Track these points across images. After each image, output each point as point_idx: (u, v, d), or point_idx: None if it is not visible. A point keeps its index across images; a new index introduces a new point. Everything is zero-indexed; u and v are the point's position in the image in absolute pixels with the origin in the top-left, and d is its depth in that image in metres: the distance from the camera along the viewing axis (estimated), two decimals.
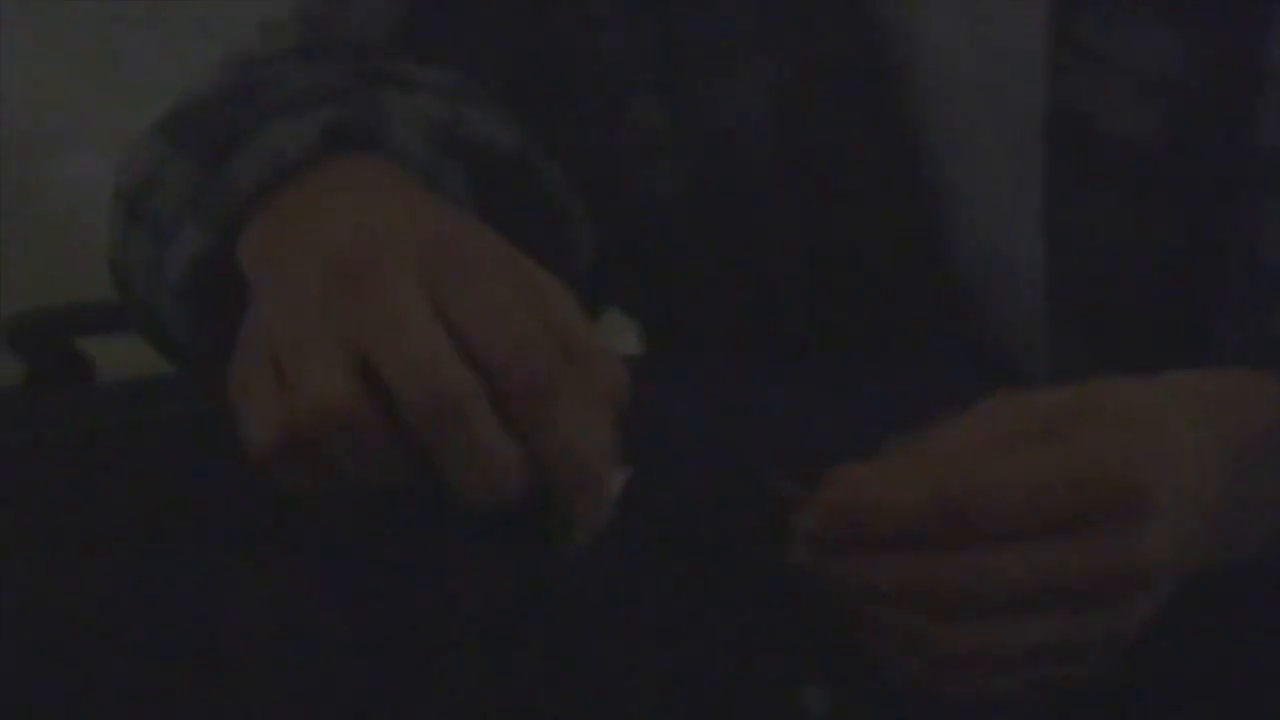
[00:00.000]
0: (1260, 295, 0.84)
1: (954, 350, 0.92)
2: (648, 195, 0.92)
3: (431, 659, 0.73)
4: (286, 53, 0.93)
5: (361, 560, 0.76)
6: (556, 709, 0.73)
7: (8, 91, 1.97)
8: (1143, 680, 0.73)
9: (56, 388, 0.98)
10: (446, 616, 0.75)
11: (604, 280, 0.90)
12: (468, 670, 0.73)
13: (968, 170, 0.89)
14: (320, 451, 0.69)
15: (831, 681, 0.72)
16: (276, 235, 0.76)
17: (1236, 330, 0.85)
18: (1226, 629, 0.76)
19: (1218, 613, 0.75)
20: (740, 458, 0.77)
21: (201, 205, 0.80)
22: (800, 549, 0.69)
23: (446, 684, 0.73)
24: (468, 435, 0.67)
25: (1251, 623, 0.76)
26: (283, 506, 0.72)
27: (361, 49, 0.92)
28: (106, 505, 0.79)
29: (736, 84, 0.90)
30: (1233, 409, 0.75)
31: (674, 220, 0.92)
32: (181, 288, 0.80)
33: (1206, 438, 0.72)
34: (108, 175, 0.91)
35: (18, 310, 1.05)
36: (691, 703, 0.73)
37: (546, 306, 0.70)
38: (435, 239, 0.71)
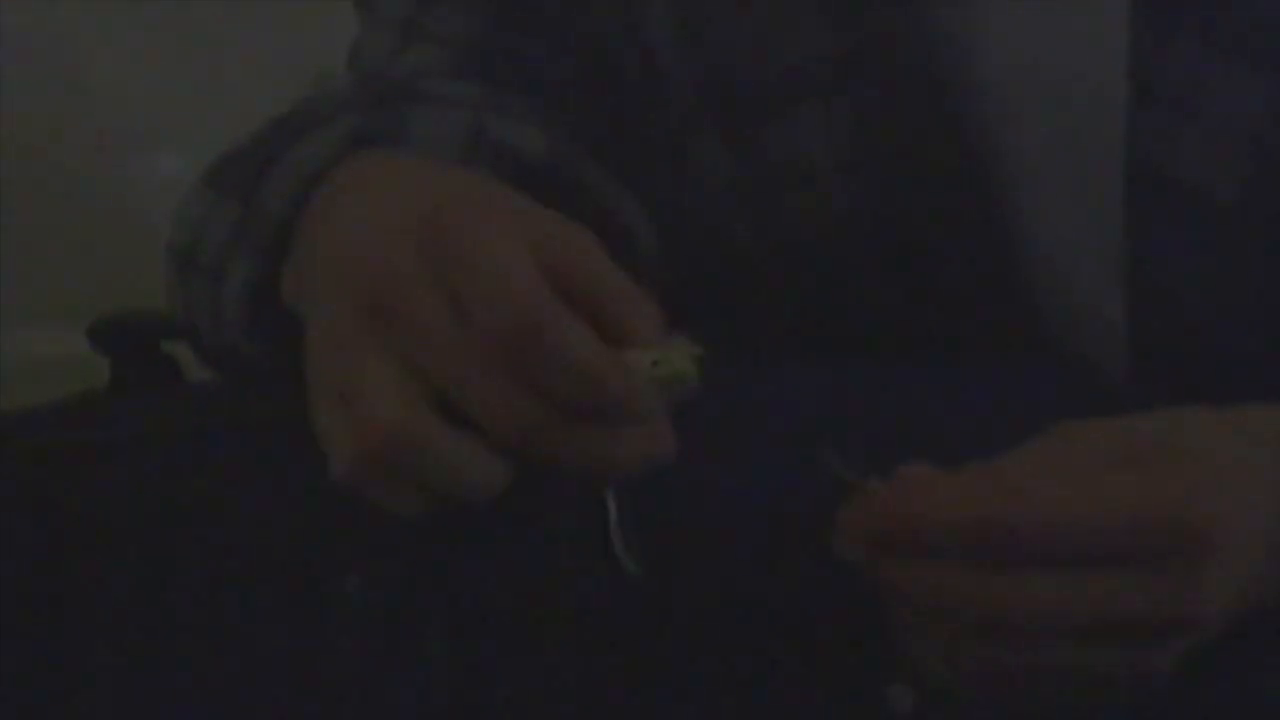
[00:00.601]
0: None
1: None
2: (715, 235, 0.92)
3: (509, 665, 0.73)
4: (322, 95, 0.93)
5: (446, 562, 0.76)
6: (637, 709, 0.73)
7: (99, 87, 1.98)
8: None
9: (142, 389, 0.99)
10: (522, 619, 0.74)
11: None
12: (542, 672, 0.73)
13: (1045, 216, 0.88)
14: (403, 472, 0.69)
15: (917, 680, 0.71)
16: (305, 264, 0.77)
17: None
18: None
19: None
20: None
21: (245, 235, 0.81)
22: (847, 537, 0.69)
23: (523, 687, 0.72)
24: (561, 433, 0.68)
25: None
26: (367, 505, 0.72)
27: (382, 76, 0.93)
28: (193, 503, 0.80)
29: (799, 126, 0.89)
30: None
31: (743, 258, 0.92)
32: (240, 319, 0.81)
33: (1273, 472, 0.71)
34: (196, 171, 0.92)
35: (106, 309, 1.05)
36: (777, 701, 0.73)
37: (532, 241, 0.70)
38: (423, 230, 0.71)
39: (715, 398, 0.70)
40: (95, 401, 0.95)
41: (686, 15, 0.90)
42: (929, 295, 0.89)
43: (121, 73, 1.98)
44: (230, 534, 0.78)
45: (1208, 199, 0.84)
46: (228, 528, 0.78)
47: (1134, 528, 0.68)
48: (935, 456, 0.71)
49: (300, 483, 0.78)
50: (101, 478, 0.81)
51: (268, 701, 0.72)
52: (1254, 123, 0.83)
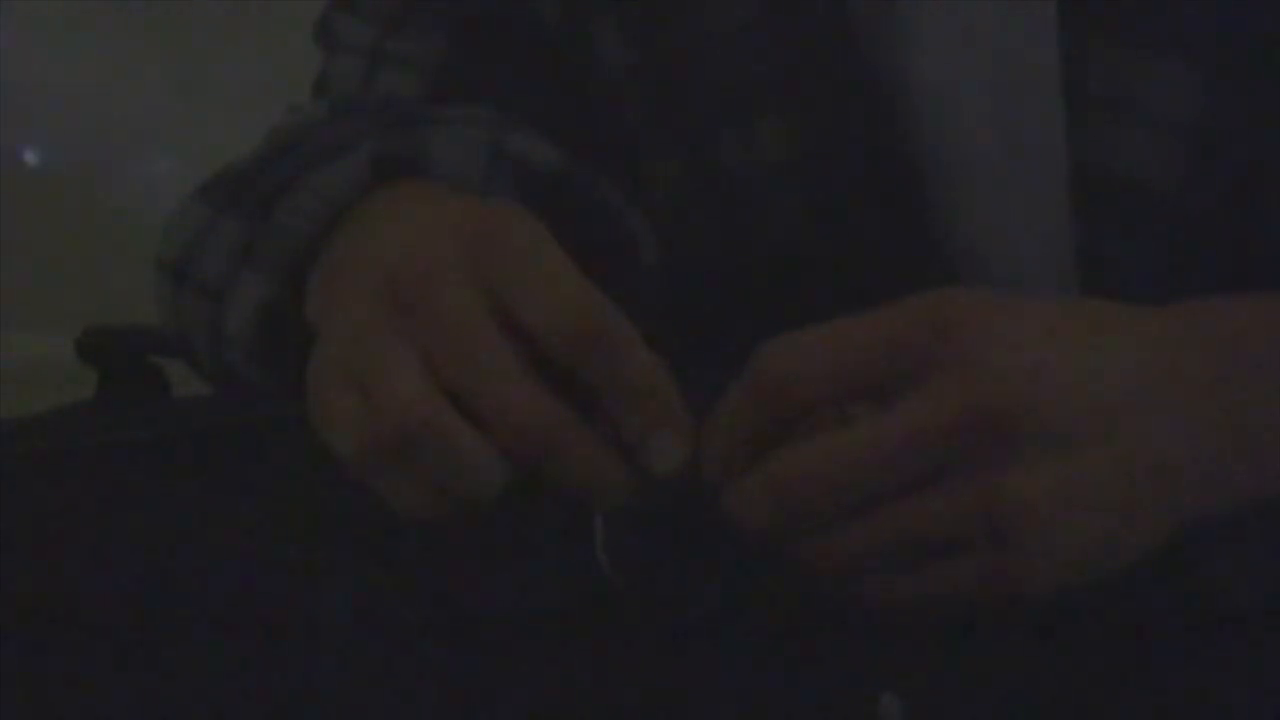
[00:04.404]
0: None
1: None
2: (673, 245, 0.92)
3: (498, 676, 0.73)
4: (317, 119, 0.93)
5: (435, 574, 0.76)
6: (631, 716, 0.72)
7: (89, 94, 1.98)
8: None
9: (130, 401, 0.98)
10: (511, 629, 0.74)
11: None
12: (531, 683, 0.72)
13: (995, 221, 0.88)
14: (411, 462, 0.70)
15: (909, 690, 0.71)
16: (334, 276, 0.77)
17: None
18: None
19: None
20: None
21: (256, 255, 0.81)
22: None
23: (512, 698, 0.72)
24: (572, 445, 0.69)
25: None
26: (370, 509, 0.73)
27: (392, 102, 0.93)
28: (185, 512, 0.80)
29: (751, 140, 0.89)
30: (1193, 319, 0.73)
31: (700, 267, 0.92)
32: (246, 337, 0.81)
33: (1123, 348, 0.71)
34: (187, 178, 0.91)
35: (96, 317, 1.05)
36: (769, 710, 0.72)
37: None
38: (472, 229, 0.71)
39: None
40: (85, 412, 0.94)
41: (637, 32, 0.90)
42: (884, 300, 0.89)
43: (113, 80, 1.98)
44: (222, 543, 0.77)
45: (1151, 193, 0.83)
46: (219, 536, 0.78)
47: (887, 348, 0.68)
48: None
49: (292, 492, 0.78)
50: (95, 485, 0.81)
51: (259, 708, 0.72)
52: (1190, 115, 0.82)
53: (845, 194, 0.88)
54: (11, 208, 1.92)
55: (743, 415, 0.69)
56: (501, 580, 0.75)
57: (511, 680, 0.72)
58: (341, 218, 0.79)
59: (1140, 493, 0.69)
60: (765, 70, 0.88)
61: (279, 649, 0.73)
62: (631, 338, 0.69)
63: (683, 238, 0.91)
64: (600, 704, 0.72)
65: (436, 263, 0.71)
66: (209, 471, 0.81)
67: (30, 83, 1.97)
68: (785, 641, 0.73)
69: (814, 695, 0.72)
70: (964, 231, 0.88)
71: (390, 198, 0.79)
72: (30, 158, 1.99)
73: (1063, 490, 0.67)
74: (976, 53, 0.86)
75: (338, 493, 0.74)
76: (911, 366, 0.68)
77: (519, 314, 0.69)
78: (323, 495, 0.76)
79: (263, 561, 0.76)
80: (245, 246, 0.82)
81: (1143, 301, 0.84)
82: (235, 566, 0.76)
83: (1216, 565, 0.73)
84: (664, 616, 0.74)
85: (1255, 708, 0.72)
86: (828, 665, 0.72)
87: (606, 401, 0.70)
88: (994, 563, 0.68)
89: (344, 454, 0.71)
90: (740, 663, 0.73)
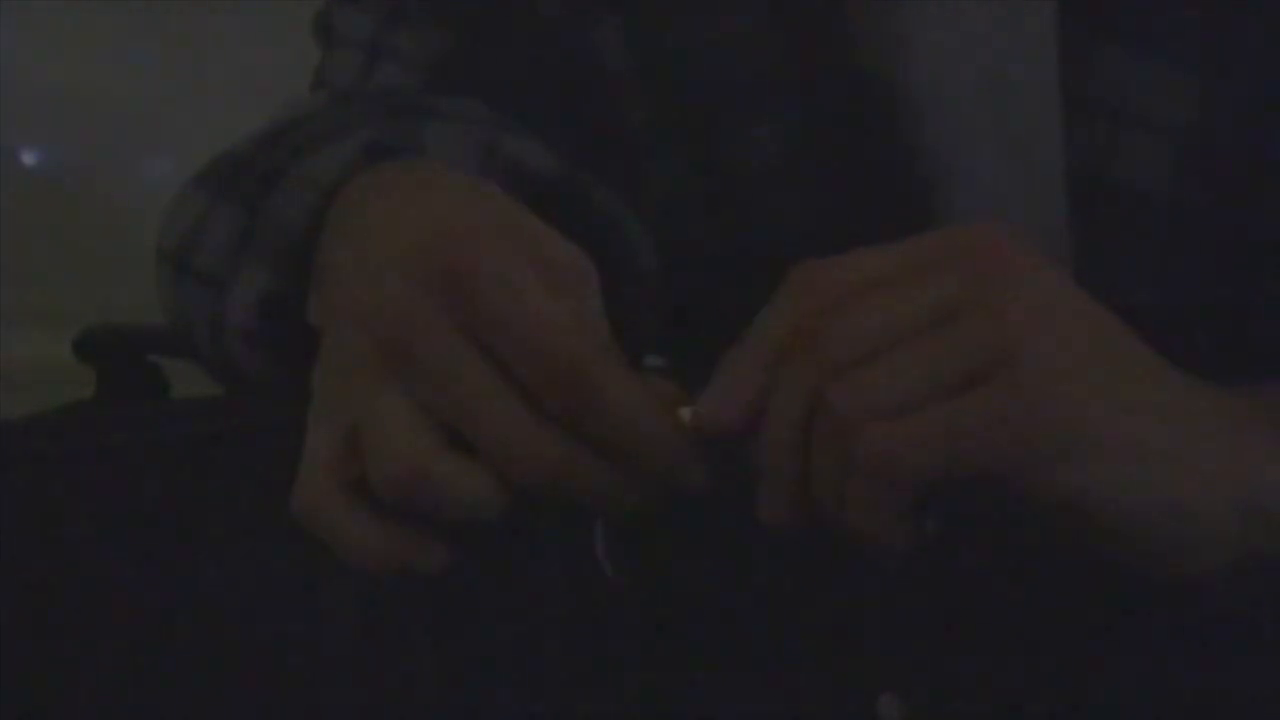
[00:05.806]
0: None
1: None
2: (674, 244, 0.91)
3: (494, 666, 0.73)
4: (316, 107, 0.93)
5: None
6: (621, 715, 0.72)
7: (87, 94, 1.98)
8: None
9: (129, 400, 0.99)
10: (506, 620, 0.74)
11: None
12: (526, 673, 0.72)
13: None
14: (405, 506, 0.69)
15: (909, 690, 0.71)
16: (327, 288, 0.76)
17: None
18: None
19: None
20: None
21: (255, 245, 0.80)
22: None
23: (507, 688, 0.72)
24: (572, 469, 0.68)
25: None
26: None
27: (391, 92, 0.93)
28: (186, 510, 0.80)
29: (752, 142, 0.89)
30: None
31: (700, 265, 0.92)
32: (249, 328, 0.80)
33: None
34: (186, 178, 0.91)
35: (94, 317, 1.05)
36: (769, 710, 0.72)
37: (535, 249, 0.70)
38: (444, 264, 0.70)
39: None
40: (85, 411, 0.94)
41: (639, 33, 0.90)
42: None
43: (111, 80, 1.98)
44: (223, 539, 0.77)
45: (1148, 196, 0.84)
46: (219, 537, 0.78)
47: (911, 252, 0.69)
48: None
49: (290, 491, 0.78)
50: (96, 485, 0.81)
51: (258, 701, 0.72)
52: (1185, 119, 0.83)
53: (845, 196, 0.88)
54: (11, 208, 1.92)
55: (779, 320, 0.69)
56: (502, 581, 0.75)
57: (513, 681, 0.73)
58: (331, 207, 0.78)
59: (1132, 363, 0.71)
60: (766, 73, 0.88)
61: (280, 649, 0.73)
62: (615, 374, 0.68)
63: (682, 238, 0.91)
64: (601, 704, 0.72)
65: (413, 317, 0.70)
66: (209, 471, 0.81)
67: (30, 83, 1.97)
68: (785, 641, 0.73)
69: (814, 695, 0.72)
70: None
71: (371, 187, 0.78)
72: (30, 158, 2.00)
73: (1054, 311, 0.69)
74: (975, 56, 0.86)
75: None
76: (929, 262, 0.69)
77: (500, 356, 0.69)
78: None
79: (263, 562, 0.76)
80: (243, 234, 0.82)
81: (1139, 302, 0.84)
82: (235, 568, 0.76)
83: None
84: (664, 616, 0.74)
85: (1255, 707, 0.72)
86: (828, 665, 0.72)
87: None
88: (1005, 396, 0.67)
89: (296, 502, 0.71)
90: (740, 663, 0.73)
